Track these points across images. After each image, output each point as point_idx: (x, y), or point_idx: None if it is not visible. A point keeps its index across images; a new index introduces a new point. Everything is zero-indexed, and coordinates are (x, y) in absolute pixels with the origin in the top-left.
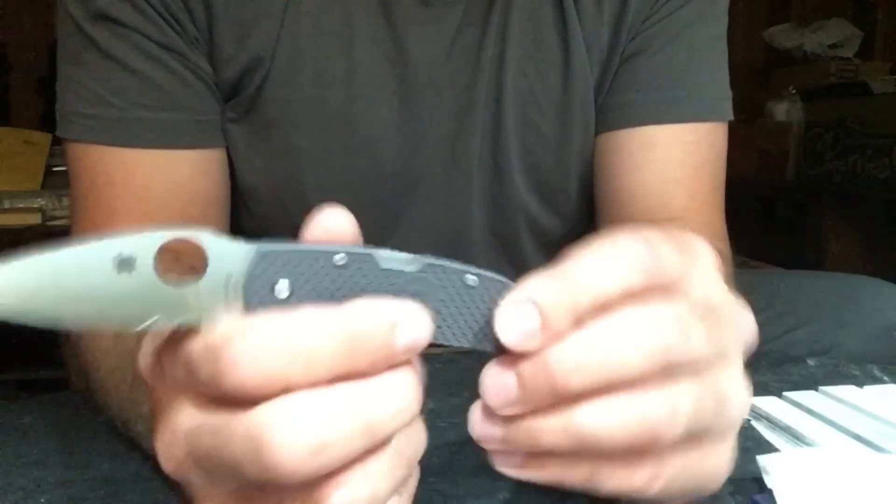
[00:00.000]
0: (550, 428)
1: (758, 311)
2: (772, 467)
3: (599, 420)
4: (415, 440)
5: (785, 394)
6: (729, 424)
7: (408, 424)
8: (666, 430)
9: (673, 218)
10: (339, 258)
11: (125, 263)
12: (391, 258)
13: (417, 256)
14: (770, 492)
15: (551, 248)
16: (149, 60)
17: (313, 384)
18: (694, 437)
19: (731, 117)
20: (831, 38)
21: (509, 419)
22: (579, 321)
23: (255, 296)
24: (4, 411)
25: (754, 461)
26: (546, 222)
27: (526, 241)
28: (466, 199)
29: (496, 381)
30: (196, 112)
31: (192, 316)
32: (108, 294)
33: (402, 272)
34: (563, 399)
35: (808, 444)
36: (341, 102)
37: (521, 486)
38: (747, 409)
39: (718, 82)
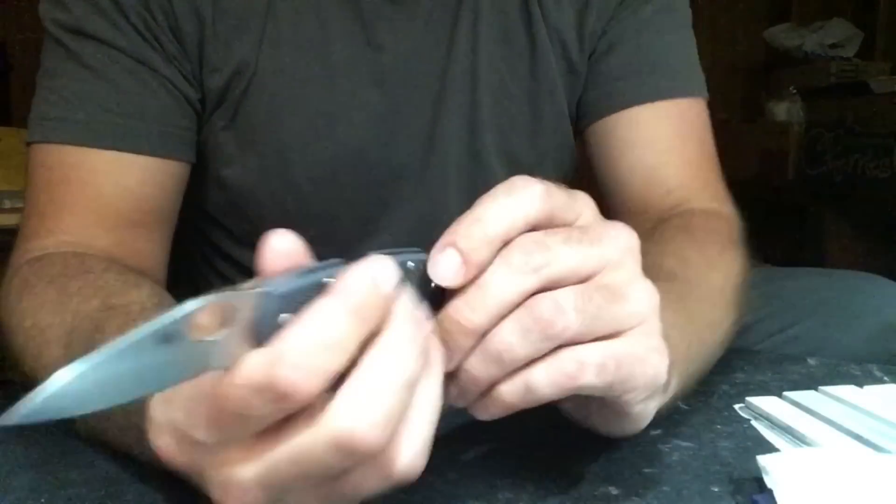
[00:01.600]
0: (475, 362)
1: (758, 309)
2: (772, 467)
3: (504, 337)
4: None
5: (785, 394)
6: (630, 314)
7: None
8: (559, 322)
9: (670, 189)
10: (327, 279)
11: (166, 338)
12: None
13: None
14: (770, 492)
15: None
16: (122, 71)
17: (352, 360)
18: (597, 326)
19: (706, 95)
20: (831, 38)
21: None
22: (493, 251)
23: (265, 330)
24: (4, 411)
25: (754, 461)
26: None
27: None
28: (444, 183)
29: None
30: (160, 123)
31: (222, 363)
32: (152, 367)
33: None
34: (478, 336)
35: (808, 444)
36: (322, 101)
37: (522, 486)
38: (652, 299)
39: (688, 63)
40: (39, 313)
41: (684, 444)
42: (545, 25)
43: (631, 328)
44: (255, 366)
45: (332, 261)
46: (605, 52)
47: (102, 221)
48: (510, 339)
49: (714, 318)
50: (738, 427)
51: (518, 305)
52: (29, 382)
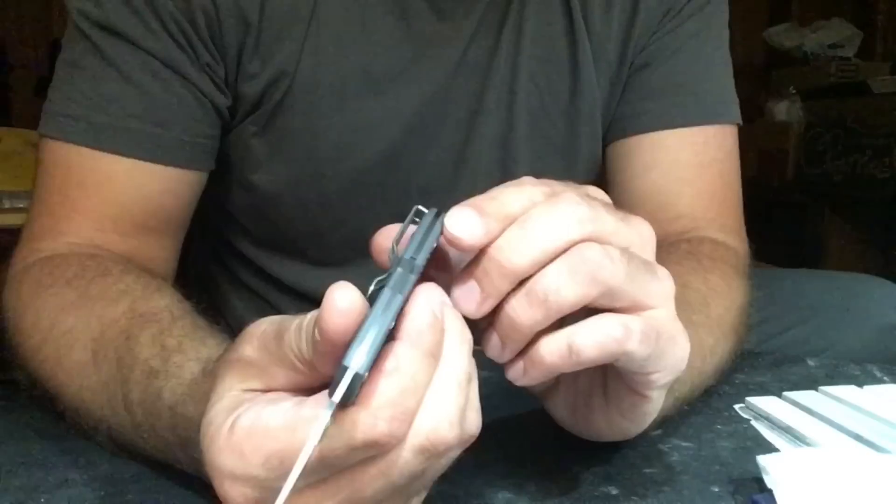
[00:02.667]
0: (518, 305)
1: (758, 310)
2: (772, 467)
3: (551, 279)
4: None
5: (785, 394)
6: (659, 291)
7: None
8: (606, 267)
9: (680, 216)
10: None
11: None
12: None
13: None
14: (770, 492)
15: None
16: (149, 75)
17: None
18: (635, 289)
19: (739, 120)
20: (831, 38)
21: (494, 322)
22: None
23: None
24: (4, 411)
25: (754, 461)
26: None
27: None
28: None
29: (461, 292)
30: (184, 132)
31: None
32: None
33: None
34: (517, 279)
35: (808, 444)
36: (360, 113)
37: (522, 486)
38: (673, 285)
39: (724, 87)
40: (59, 315)
41: (684, 444)
42: (590, 44)
43: (659, 306)
44: (355, 428)
45: (382, 295)
46: (641, 68)
47: (116, 227)
48: (557, 279)
49: (708, 346)
50: (738, 427)
51: (561, 253)
52: (37, 384)
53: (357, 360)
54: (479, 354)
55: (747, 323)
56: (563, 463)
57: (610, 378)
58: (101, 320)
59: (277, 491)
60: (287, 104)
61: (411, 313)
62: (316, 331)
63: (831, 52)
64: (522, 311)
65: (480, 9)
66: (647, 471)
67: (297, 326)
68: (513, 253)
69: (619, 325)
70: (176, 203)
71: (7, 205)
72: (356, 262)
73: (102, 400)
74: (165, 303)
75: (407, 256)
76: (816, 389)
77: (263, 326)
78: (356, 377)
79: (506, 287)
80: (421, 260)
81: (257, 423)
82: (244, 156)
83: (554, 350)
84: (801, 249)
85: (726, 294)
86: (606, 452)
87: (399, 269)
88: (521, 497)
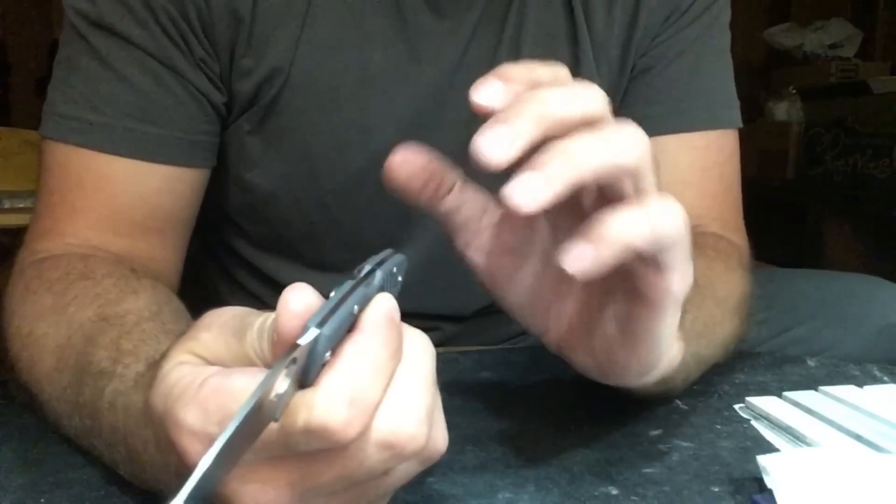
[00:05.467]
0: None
1: (758, 310)
2: (772, 467)
3: (612, 127)
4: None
5: (785, 394)
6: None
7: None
8: (646, 147)
9: None
10: (356, 310)
11: (258, 408)
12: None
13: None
14: (770, 492)
15: None
16: (144, 73)
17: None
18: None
19: (740, 124)
20: (831, 38)
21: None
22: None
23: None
24: (4, 411)
25: (754, 461)
26: None
27: None
28: None
29: (485, 140)
30: (181, 130)
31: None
32: (244, 436)
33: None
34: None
35: (808, 444)
36: (356, 111)
37: (521, 486)
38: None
39: (726, 92)
40: (36, 322)
41: (684, 444)
42: (591, 45)
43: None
44: (311, 410)
45: (344, 284)
46: (644, 71)
47: (116, 227)
48: (618, 130)
49: (716, 317)
50: (738, 427)
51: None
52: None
53: (316, 324)
54: (480, 354)
55: (748, 313)
56: (563, 463)
57: (626, 305)
58: (70, 326)
59: (233, 457)
60: (282, 102)
61: (369, 308)
62: (274, 333)
63: (831, 52)
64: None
65: (480, 6)
66: (647, 471)
67: (259, 328)
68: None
69: (676, 203)
70: (176, 202)
71: (7, 205)
72: (354, 267)
73: (64, 407)
74: (136, 306)
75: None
76: (816, 389)
77: (224, 318)
78: (315, 345)
79: (538, 132)
80: (377, 281)
81: (225, 383)
82: (239, 154)
83: (630, 225)
84: (800, 249)
85: (729, 279)
86: (606, 452)
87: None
88: (521, 497)
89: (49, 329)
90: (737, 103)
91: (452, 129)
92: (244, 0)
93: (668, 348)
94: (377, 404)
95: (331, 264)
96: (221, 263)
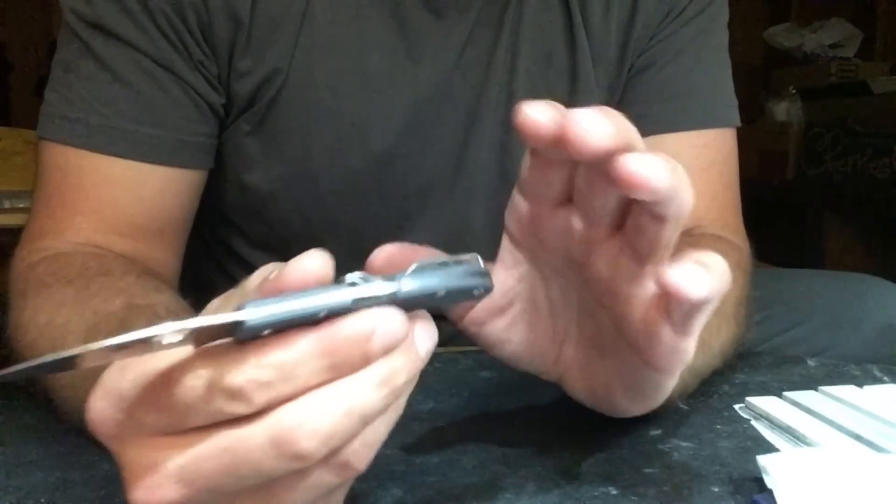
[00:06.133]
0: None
1: (758, 310)
2: (772, 467)
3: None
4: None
5: (785, 394)
6: None
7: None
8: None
9: None
10: (321, 315)
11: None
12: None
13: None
14: (770, 492)
15: None
16: (142, 75)
17: (305, 391)
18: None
19: (738, 123)
20: (831, 38)
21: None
22: None
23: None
24: (4, 411)
25: (754, 461)
26: None
27: None
28: (470, 200)
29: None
30: (179, 132)
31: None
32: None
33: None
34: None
35: (808, 444)
36: (355, 111)
37: (521, 486)
38: None
39: (723, 90)
40: (56, 311)
41: (684, 444)
42: (589, 44)
43: None
44: (221, 369)
45: (320, 289)
46: (641, 71)
47: (116, 229)
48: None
49: (712, 327)
50: (738, 427)
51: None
52: (34, 382)
53: (253, 305)
54: (480, 354)
55: (746, 316)
56: (563, 463)
57: (627, 365)
58: (97, 315)
59: (128, 418)
60: (280, 102)
61: (348, 318)
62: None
63: (831, 52)
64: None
65: (477, 7)
66: (647, 471)
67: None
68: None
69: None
70: (176, 203)
71: (7, 205)
72: (353, 268)
73: (89, 385)
74: (163, 299)
75: (397, 277)
76: (816, 389)
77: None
78: (234, 325)
79: None
80: (407, 287)
81: (150, 359)
82: (238, 155)
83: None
84: (800, 249)
85: None
86: (606, 452)
87: (379, 281)
88: (521, 497)
89: (73, 317)
90: (735, 102)
91: (450, 129)
92: (242, 2)
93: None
94: (285, 397)
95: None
96: (220, 263)
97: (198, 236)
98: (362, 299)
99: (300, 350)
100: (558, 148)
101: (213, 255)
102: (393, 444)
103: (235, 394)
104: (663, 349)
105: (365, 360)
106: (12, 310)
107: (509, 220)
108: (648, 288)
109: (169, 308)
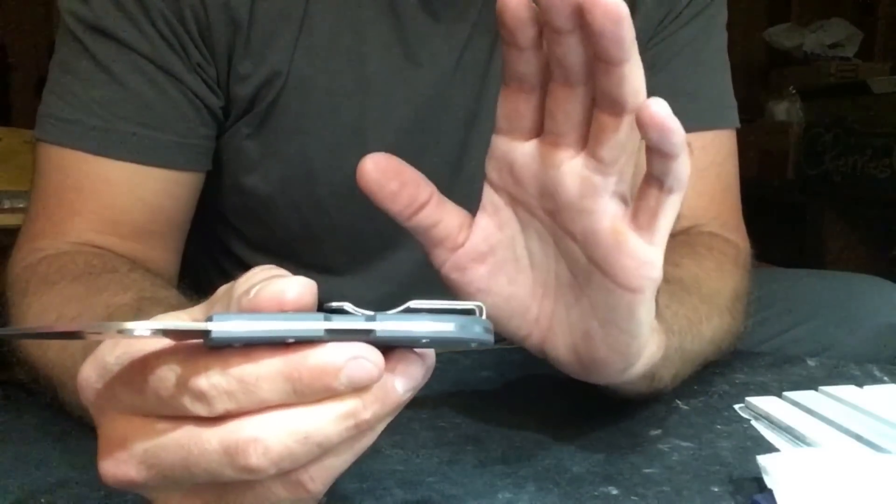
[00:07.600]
0: None
1: (758, 310)
2: (772, 467)
3: None
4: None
5: (785, 394)
6: None
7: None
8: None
9: (679, 216)
10: (290, 340)
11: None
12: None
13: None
14: (770, 492)
15: None
16: (140, 77)
17: (267, 408)
18: None
19: (737, 124)
20: (831, 38)
21: None
22: None
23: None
24: (4, 411)
25: (754, 461)
26: None
27: None
28: (469, 204)
29: None
30: (178, 134)
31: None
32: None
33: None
34: None
35: (808, 444)
36: (354, 114)
37: (521, 486)
38: None
39: (723, 92)
40: (65, 306)
41: (684, 444)
42: None
43: None
44: (188, 368)
45: (307, 315)
46: None
47: (115, 230)
48: None
49: (703, 312)
50: (738, 427)
51: None
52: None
53: (223, 318)
54: (480, 354)
55: (744, 311)
56: (563, 463)
57: (603, 294)
58: (109, 307)
59: (112, 389)
60: (280, 105)
61: (317, 348)
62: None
63: (831, 52)
64: None
65: (476, 10)
66: (647, 471)
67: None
68: None
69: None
70: (174, 205)
71: (7, 205)
72: (352, 270)
73: None
74: (171, 293)
75: (378, 316)
76: (816, 389)
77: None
78: (204, 332)
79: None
80: (384, 330)
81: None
82: (237, 158)
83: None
84: (800, 249)
85: (718, 278)
86: (606, 452)
87: (363, 320)
88: (521, 497)
89: (84, 310)
90: (734, 104)
91: (450, 132)
92: (241, 4)
93: (647, 340)
94: (244, 409)
95: (328, 267)
96: (219, 265)
97: (196, 238)
98: (335, 332)
99: (264, 368)
100: None
101: (211, 256)
102: (393, 444)
103: (199, 395)
104: (631, 261)
105: (329, 393)
106: (13, 309)
107: (489, 166)
108: (613, 203)
109: (181, 302)
